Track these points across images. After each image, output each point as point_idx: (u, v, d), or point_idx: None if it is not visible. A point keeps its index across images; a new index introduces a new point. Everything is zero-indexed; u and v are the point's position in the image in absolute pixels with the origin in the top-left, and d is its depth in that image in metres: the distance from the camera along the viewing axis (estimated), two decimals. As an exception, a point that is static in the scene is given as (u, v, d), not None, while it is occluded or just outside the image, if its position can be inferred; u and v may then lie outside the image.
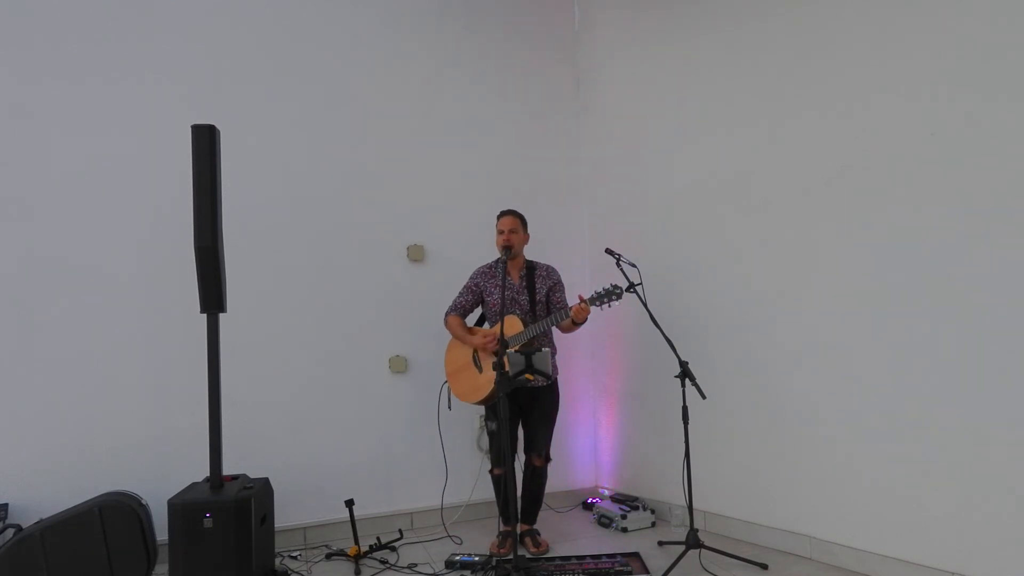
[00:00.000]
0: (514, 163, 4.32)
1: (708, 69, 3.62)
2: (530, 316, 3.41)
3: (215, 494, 2.77)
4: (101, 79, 3.44)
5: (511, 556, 3.27)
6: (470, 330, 3.50)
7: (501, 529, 3.46)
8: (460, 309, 3.54)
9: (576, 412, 4.34)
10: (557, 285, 3.51)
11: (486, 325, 3.58)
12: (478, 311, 3.64)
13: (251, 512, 2.74)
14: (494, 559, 3.17)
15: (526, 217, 3.54)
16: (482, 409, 3.73)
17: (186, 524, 2.68)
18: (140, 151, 3.49)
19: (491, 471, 3.50)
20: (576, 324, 3.27)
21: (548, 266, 3.56)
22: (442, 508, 3.82)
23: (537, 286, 3.45)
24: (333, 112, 3.90)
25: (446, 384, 3.58)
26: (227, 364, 3.31)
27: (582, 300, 3.16)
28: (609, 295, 3.14)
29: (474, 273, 3.57)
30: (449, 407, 3.64)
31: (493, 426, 3.40)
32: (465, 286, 3.56)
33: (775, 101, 3.26)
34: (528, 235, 3.54)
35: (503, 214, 3.48)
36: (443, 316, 3.58)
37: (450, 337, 3.57)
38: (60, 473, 3.22)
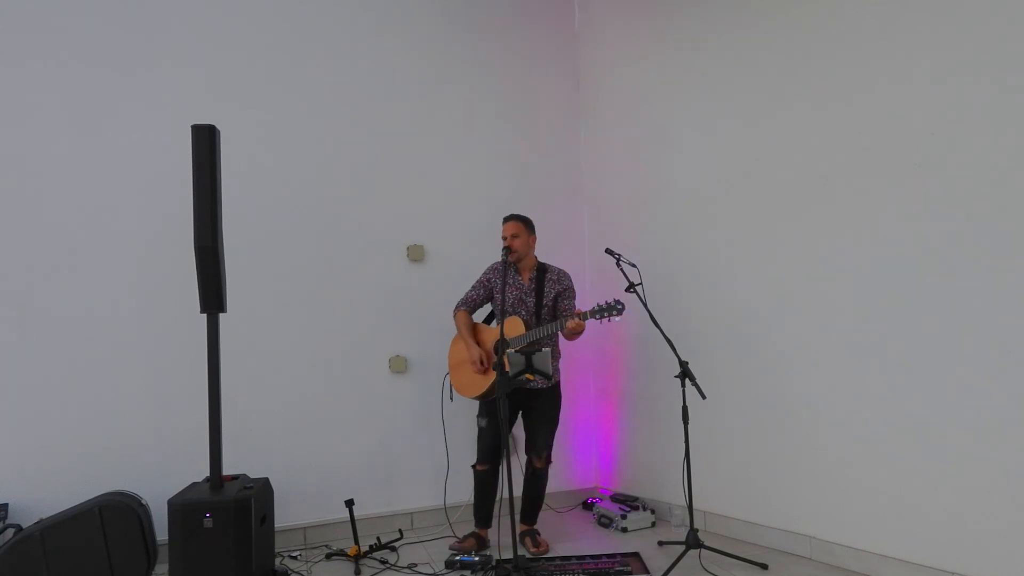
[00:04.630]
0: (514, 163, 4.32)
1: (708, 69, 3.62)
2: (534, 319, 3.41)
3: (215, 494, 2.77)
4: (101, 78, 3.44)
5: (485, 552, 3.29)
6: (474, 333, 3.50)
7: (472, 531, 3.47)
8: (470, 304, 3.55)
9: (576, 412, 4.34)
10: (567, 291, 3.47)
11: (494, 323, 3.59)
12: (488, 306, 3.65)
13: (251, 512, 2.74)
14: (494, 559, 3.17)
15: (528, 218, 3.52)
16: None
17: (186, 524, 2.67)
18: (141, 150, 3.48)
19: (474, 466, 3.50)
20: (574, 334, 3.22)
21: (560, 271, 3.52)
22: (445, 507, 3.82)
23: (545, 289, 3.45)
24: (333, 112, 3.89)
25: (448, 376, 3.60)
26: (227, 364, 3.32)
27: (579, 315, 3.13)
28: (611, 309, 3.09)
29: (487, 269, 3.58)
30: (451, 398, 3.65)
31: (483, 422, 3.41)
32: (478, 280, 3.57)
33: (775, 101, 3.27)
34: (535, 236, 3.53)
35: (507, 219, 3.47)
36: (452, 310, 3.60)
37: (452, 333, 3.58)
38: (60, 473, 3.22)
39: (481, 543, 3.43)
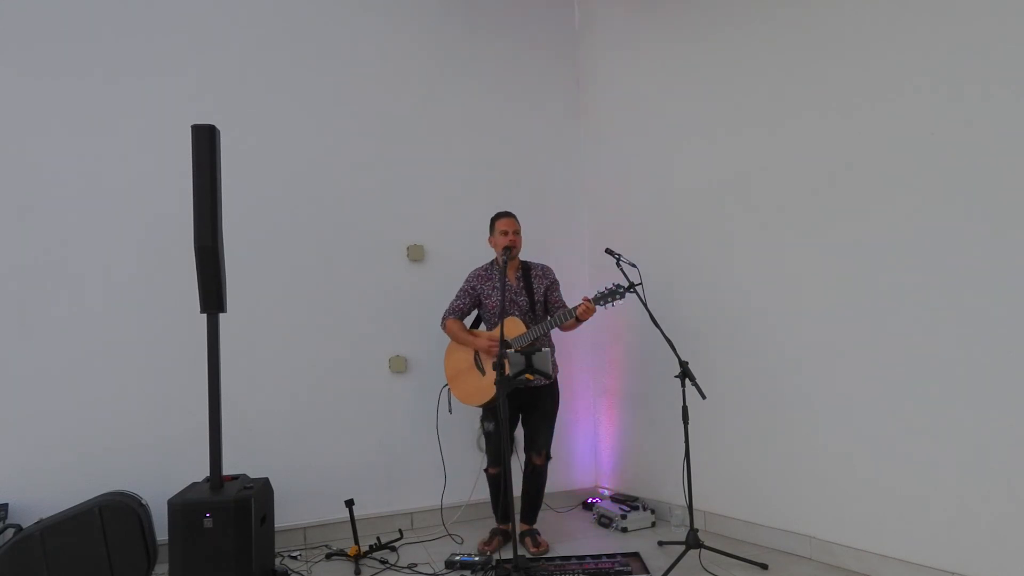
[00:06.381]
0: (514, 163, 4.32)
1: (708, 69, 3.62)
2: (529, 316, 3.41)
3: (215, 494, 2.77)
4: (101, 78, 3.44)
5: (501, 552, 3.30)
6: (471, 332, 3.49)
7: (493, 527, 3.47)
8: (458, 312, 3.53)
9: (576, 412, 4.34)
10: (554, 284, 3.52)
11: (482, 327, 3.58)
12: (473, 314, 3.64)
13: (251, 512, 2.74)
14: (494, 559, 3.17)
15: (523, 217, 3.55)
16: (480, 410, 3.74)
17: (186, 524, 2.67)
18: (141, 150, 3.48)
19: (486, 470, 3.52)
20: (580, 322, 3.27)
21: (543, 265, 3.56)
22: (442, 508, 3.82)
23: (535, 286, 3.45)
24: (333, 112, 3.89)
25: (446, 388, 3.58)
26: (227, 364, 3.32)
27: (587, 300, 3.16)
28: (613, 294, 3.14)
29: (469, 276, 3.56)
30: (450, 411, 3.64)
31: (490, 427, 3.41)
32: (461, 289, 3.55)
33: (775, 101, 3.26)
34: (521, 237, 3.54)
35: (504, 215, 3.47)
36: (440, 321, 3.57)
37: (448, 340, 3.56)
38: (60, 473, 3.22)
39: (507, 537, 3.43)
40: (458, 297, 3.54)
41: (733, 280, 3.47)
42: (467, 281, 3.55)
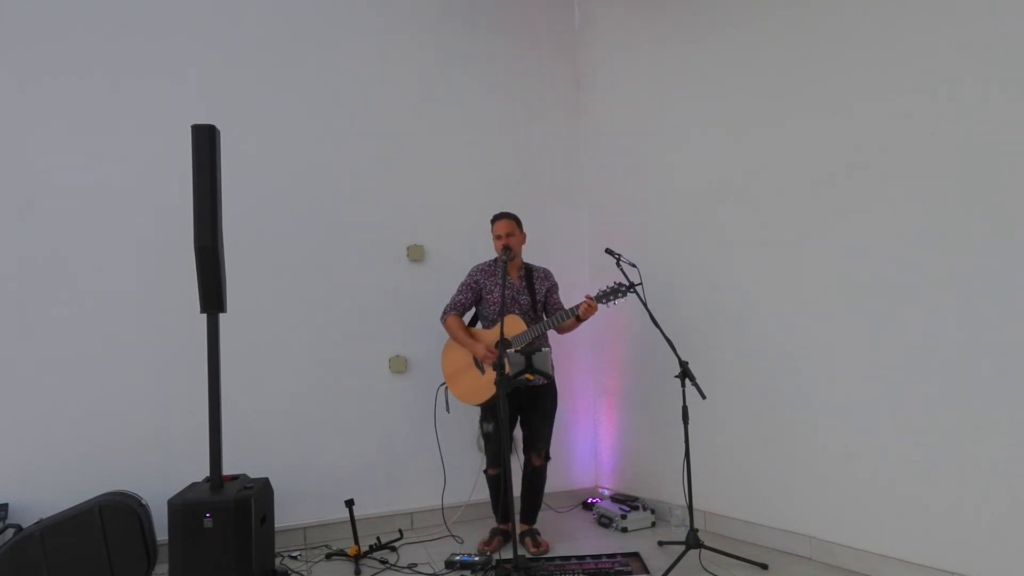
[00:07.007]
0: (514, 163, 4.32)
1: (708, 69, 3.62)
2: (530, 316, 3.41)
3: (215, 494, 2.77)
4: (101, 78, 3.44)
5: (501, 552, 3.30)
6: (471, 333, 3.49)
7: (493, 527, 3.47)
8: (459, 308, 3.52)
9: (576, 412, 4.34)
10: (554, 287, 3.55)
11: (479, 324, 3.58)
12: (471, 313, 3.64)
13: (251, 512, 2.74)
14: (494, 559, 3.18)
15: (524, 217, 3.54)
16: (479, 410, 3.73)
17: (186, 524, 2.67)
18: (140, 150, 3.49)
19: (485, 471, 3.51)
20: (580, 321, 3.27)
21: (544, 268, 3.58)
22: (442, 508, 3.82)
23: (536, 287, 3.46)
24: (333, 112, 3.89)
25: (444, 387, 3.58)
26: (227, 364, 3.31)
27: (589, 298, 3.16)
28: (615, 292, 3.16)
29: (472, 270, 3.56)
30: (448, 410, 3.64)
31: (489, 428, 3.40)
32: (464, 284, 3.54)
33: (775, 101, 3.26)
34: (525, 234, 3.54)
35: (498, 217, 3.48)
36: (440, 316, 3.57)
37: (447, 338, 3.57)
38: (60, 473, 3.22)
39: (507, 537, 3.42)
40: (459, 292, 3.53)
41: (733, 280, 3.47)
42: (470, 275, 3.54)
